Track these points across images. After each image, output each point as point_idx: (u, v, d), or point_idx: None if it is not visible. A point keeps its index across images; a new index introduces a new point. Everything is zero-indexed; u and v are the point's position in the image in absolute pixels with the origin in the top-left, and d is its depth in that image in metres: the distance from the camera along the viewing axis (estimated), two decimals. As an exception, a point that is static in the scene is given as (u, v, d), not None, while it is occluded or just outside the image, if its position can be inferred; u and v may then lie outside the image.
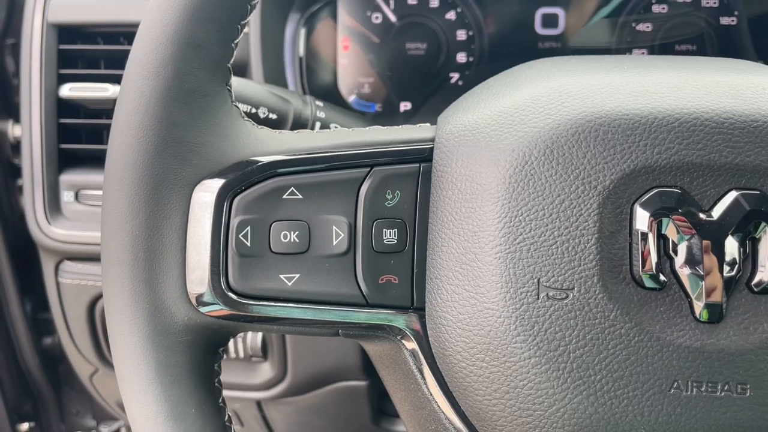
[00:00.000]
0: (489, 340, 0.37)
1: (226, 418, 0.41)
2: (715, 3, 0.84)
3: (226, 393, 0.92)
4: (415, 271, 0.40)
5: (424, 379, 0.41)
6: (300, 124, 0.56)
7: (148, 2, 0.40)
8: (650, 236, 0.36)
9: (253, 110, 0.54)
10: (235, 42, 0.40)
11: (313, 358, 0.82)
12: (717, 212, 0.36)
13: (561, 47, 0.86)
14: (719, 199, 0.36)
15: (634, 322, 0.36)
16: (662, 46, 0.84)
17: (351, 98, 0.87)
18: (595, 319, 0.36)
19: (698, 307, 0.36)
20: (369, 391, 0.87)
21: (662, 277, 0.36)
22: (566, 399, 0.36)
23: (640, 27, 0.84)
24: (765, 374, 0.35)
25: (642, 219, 0.36)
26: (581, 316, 0.36)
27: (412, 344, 0.41)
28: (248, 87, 0.55)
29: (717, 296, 0.36)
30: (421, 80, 0.87)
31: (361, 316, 0.40)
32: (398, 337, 0.41)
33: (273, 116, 0.55)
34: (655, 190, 0.36)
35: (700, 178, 0.36)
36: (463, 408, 0.39)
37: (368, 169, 0.40)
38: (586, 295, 0.36)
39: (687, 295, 0.36)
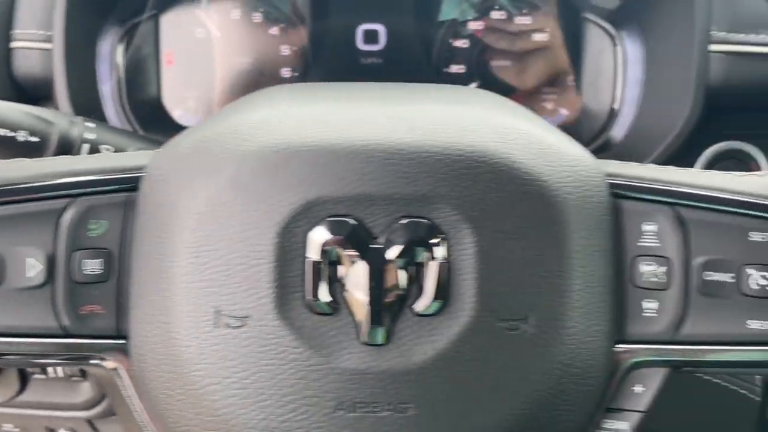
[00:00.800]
0: (175, 368, 0.38)
1: None
2: (528, 21, 0.87)
3: (52, 413, 0.90)
4: (119, 300, 0.41)
5: (134, 405, 0.42)
6: (66, 145, 0.56)
7: None
8: (322, 264, 0.38)
9: (11, 134, 0.53)
10: None
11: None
12: (387, 240, 0.38)
13: (382, 63, 0.87)
14: (388, 228, 0.38)
15: (306, 347, 0.37)
16: (479, 63, 0.87)
17: (177, 113, 0.87)
18: (271, 346, 0.37)
19: (365, 331, 0.38)
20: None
21: (333, 303, 0.38)
22: (243, 425, 0.37)
23: (458, 44, 0.87)
24: (426, 393, 0.37)
25: (314, 247, 0.38)
26: (257, 343, 0.37)
27: (120, 371, 0.41)
28: (2, 109, 0.54)
29: (382, 320, 0.37)
30: (246, 95, 0.87)
31: (60, 347, 0.40)
32: (106, 365, 0.42)
33: (34, 139, 0.54)
34: (329, 220, 0.38)
35: (372, 207, 0.38)
36: None
37: (70, 199, 0.41)
38: (261, 322, 0.37)
39: (355, 320, 0.38)
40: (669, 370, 0.42)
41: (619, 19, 0.85)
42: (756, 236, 0.41)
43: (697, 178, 0.43)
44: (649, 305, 0.41)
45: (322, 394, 0.37)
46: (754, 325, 0.40)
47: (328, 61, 0.87)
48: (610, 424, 0.42)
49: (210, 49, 0.86)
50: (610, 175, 0.42)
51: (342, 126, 0.40)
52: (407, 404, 0.37)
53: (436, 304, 0.38)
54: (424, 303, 0.38)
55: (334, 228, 0.38)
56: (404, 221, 0.38)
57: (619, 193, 0.42)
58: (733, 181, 0.42)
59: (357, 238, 0.38)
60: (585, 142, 0.87)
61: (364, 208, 0.38)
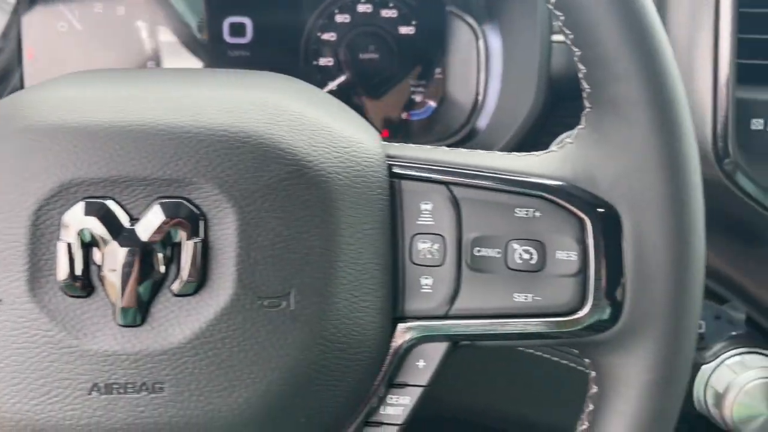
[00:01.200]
0: None
1: None
2: (394, 13, 0.88)
3: None
4: None
5: None
6: None
7: None
8: (75, 246, 0.38)
9: None
10: None
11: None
12: (142, 221, 0.38)
13: (250, 56, 0.87)
14: (146, 209, 0.38)
15: (60, 328, 0.37)
16: (347, 56, 0.88)
17: (40, 108, 0.85)
18: (23, 329, 0.37)
19: (120, 312, 0.38)
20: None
21: (88, 285, 0.38)
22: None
23: (326, 36, 0.88)
24: (180, 373, 0.37)
25: (68, 229, 0.38)
26: (10, 326, 0.37)
27: None
28: None
29: (137, 301, 0.38)
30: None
31: None
32: None
33: None
34: (84, 202, 0.38)
35: (130, 189, 0.38)
36: None
37: None
38: (13, 305, 0.37)
39: (111, 302, 0.38)
40: (449, 345, 0.43)
41: (481, 13, 0.87)
42: (520, 212, 0.42)
43: (472, 158, 0.44)
44: (426, 281, 0.42)
45: (75, 376, 0.37)
46: (519, 297, 0.41)
47: (195, 53, 0.87)
48: (395, 399, 0.43)
49: (73, 43, 0.85)
50: (390, 156, 0.43)
51: (104, 107, 0.40)
52: (162, 384, 0.37)
53: (193, 284, 0.38)
54: (180, 283, 0.38)
55: (88, 209, 0.38)
56: (161, 201, 0.38)
57: (398, 173, 0.43)
58: (504, 161, 0.44)
59: (111, 220, 0.38)
60: (452, 132, 0.89)
61: (121, 189, 0.38)
